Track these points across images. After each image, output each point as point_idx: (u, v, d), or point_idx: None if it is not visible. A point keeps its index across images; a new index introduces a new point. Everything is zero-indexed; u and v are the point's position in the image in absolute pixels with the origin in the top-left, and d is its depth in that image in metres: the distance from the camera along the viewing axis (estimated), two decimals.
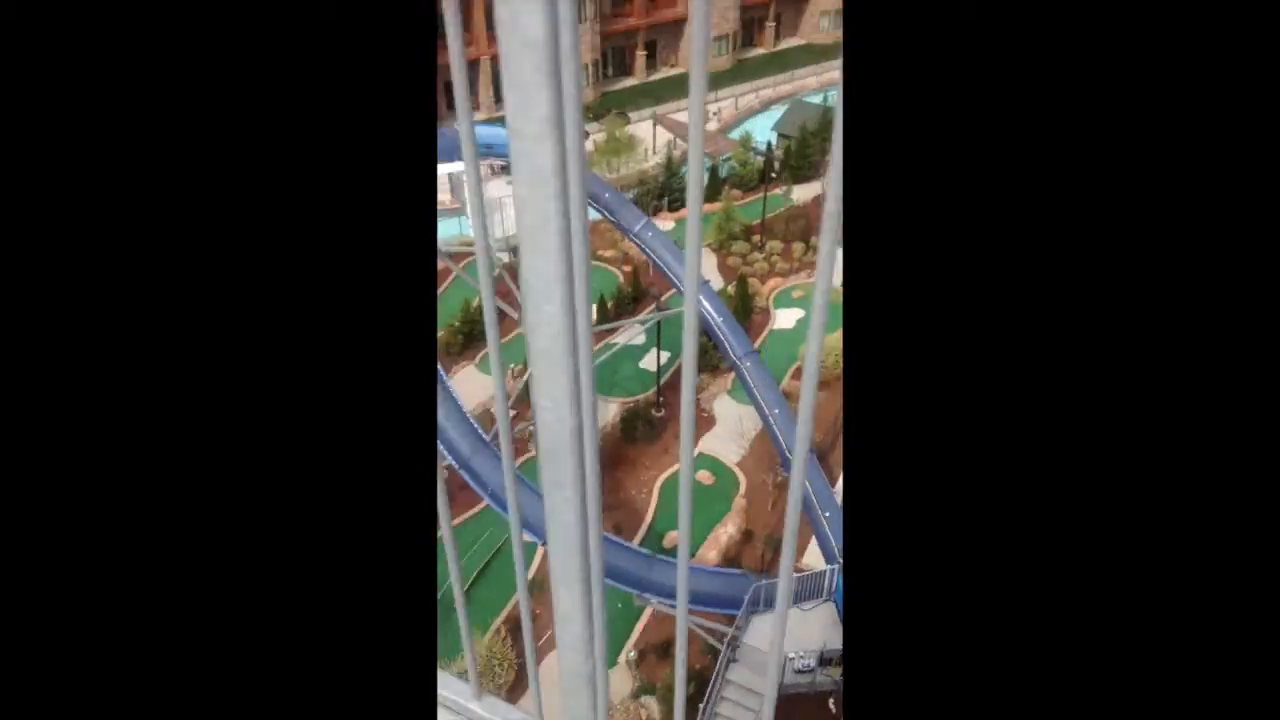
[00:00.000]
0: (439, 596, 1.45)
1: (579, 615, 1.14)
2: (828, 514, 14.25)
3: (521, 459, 16.36)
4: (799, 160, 26.52)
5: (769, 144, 26.49)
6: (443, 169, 13.67)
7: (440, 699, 1.38)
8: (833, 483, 16.16)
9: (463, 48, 0.72)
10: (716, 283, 20.78)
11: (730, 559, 14.83)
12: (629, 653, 12.55)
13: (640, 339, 19.83)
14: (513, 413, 16.38)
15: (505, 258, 15.27)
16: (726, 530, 15.32)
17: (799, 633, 10.39)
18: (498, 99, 32.40)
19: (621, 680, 12.31)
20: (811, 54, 35.85)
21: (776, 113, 30.20)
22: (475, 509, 13.38)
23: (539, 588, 13.27)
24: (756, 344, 19.37)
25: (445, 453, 11.71)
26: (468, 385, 16.64)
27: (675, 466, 16.67)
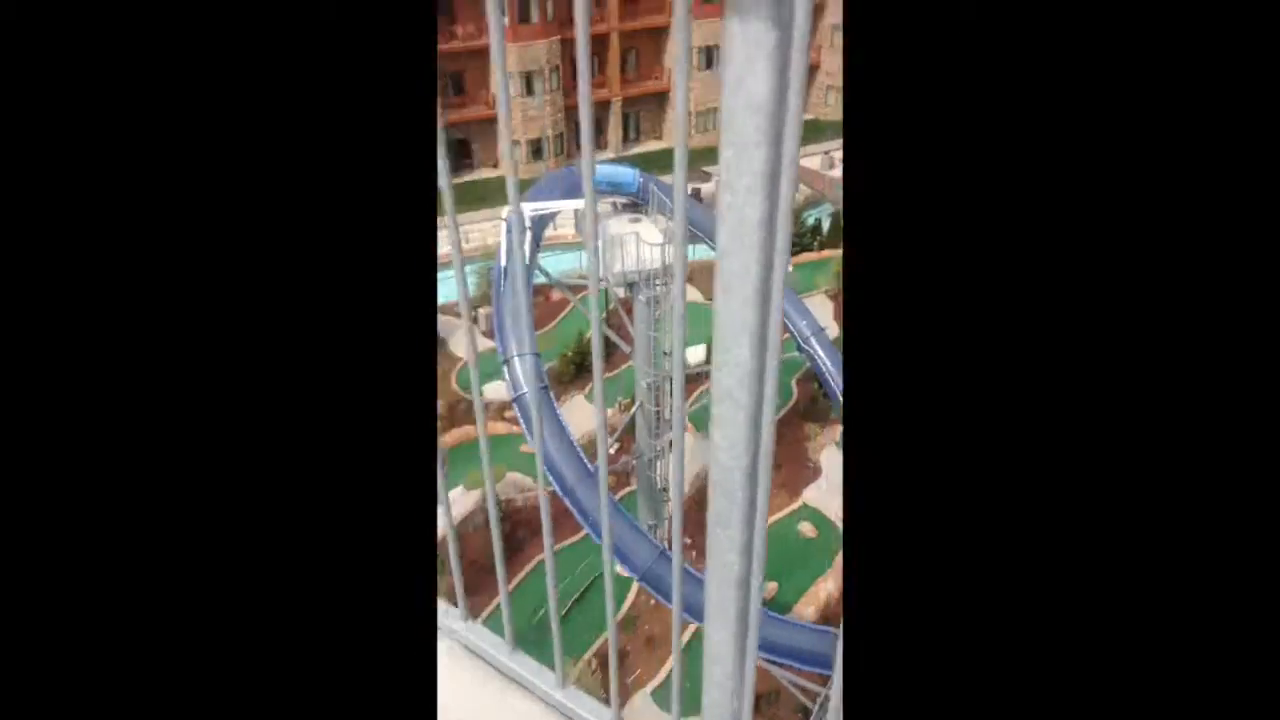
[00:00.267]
0: (534, 619, 1.48)
1: (730, 655, 1.16)
2: None
3: (622, 492, 16.45)
4: None
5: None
6: (569, 205, 14.19)
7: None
8: None
9: (589, 90, 0.76)
10: (832, 331, 20.33)
11: (828, 617, 14.21)
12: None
13: None
14: (616, 446, 16.58)
15: (621, 293, 15.58)
16: (827, 586, 14.72)
17: None
18: (626, 138, 33.43)
19: None
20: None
21: None
22: (575, 537, 13.50)
23: (630, 626, 13.20)
24: None
25: (550, 479, 11.93)
26: (577, 414, 16.97)
27: (775, 515, 16.26)
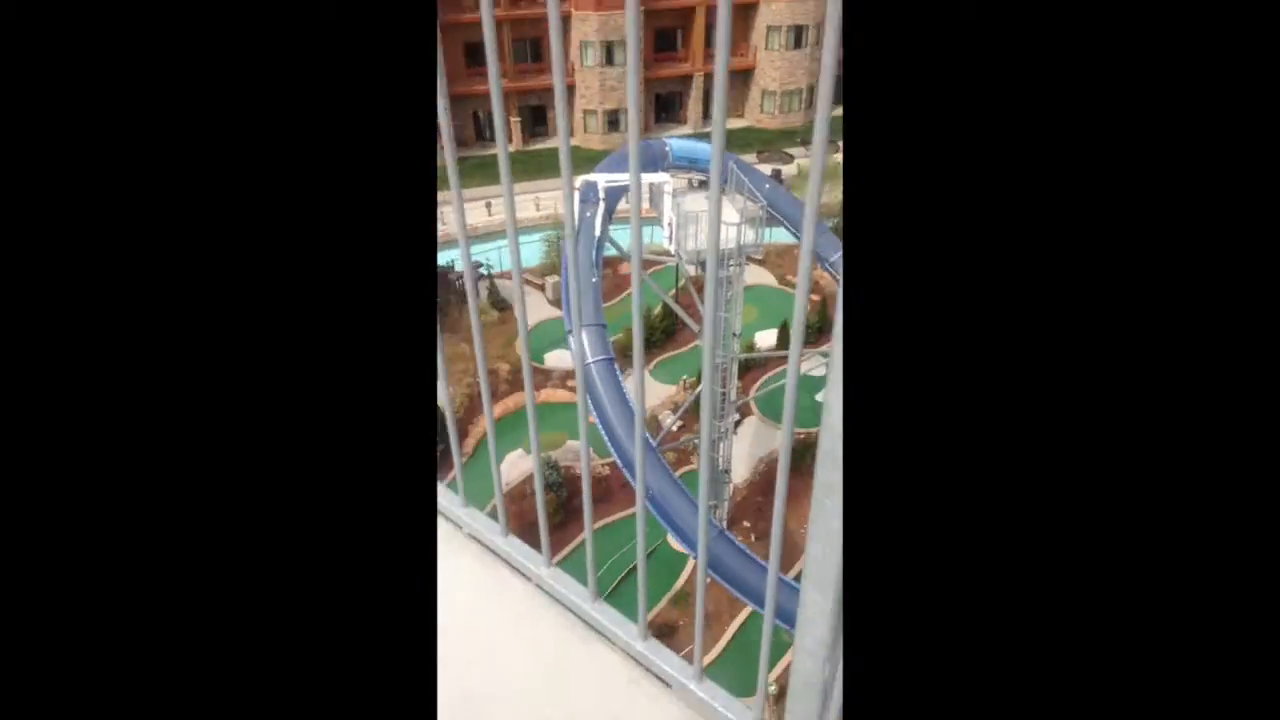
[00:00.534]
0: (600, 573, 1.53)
1: (826, 620, 1.17)
2: None
3: (682, 470, 16.50)
4: None
5: None
6: (645, 177, 14.14)
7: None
8: None
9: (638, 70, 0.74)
10: None
11: None
12: (771, 686, 12.17)
13: (820, 370, 19.27)
14: (680, 424, 16.62)
15: (693, 270, 15.48)
16: None
17: None
18: (706, 114, 32.93)
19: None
20: None
21: None
22: (628, 510, 13.64)
23: (682, 602, 13.29)
24: None
25: (612, 452, 12.05)
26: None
27: None
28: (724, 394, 13.74)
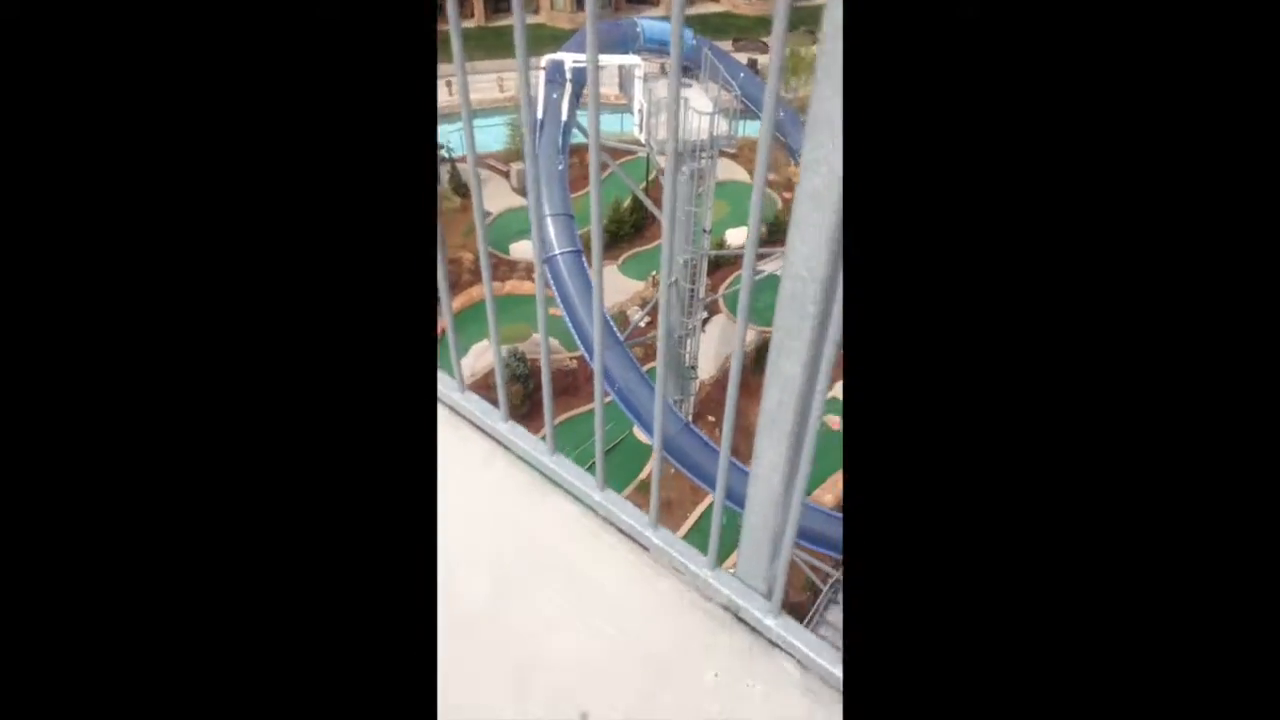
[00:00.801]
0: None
1: (779, 471, 1.20)
2: None
3: (650, 365, 16.63)
4: None
5: None
6: (613, 60, 13.41)
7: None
8: None
9: None
10: None
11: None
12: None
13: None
14: (648, 319, 16.63)
15: (663, 161, 15.02)
16: None
17: None
18: None
19: None
20: None
21: None
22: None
23: (644, 487, 13.70)
24: None
25: (579, 344, 12.03)
26: (608, 284, 16.90)
27: None
28: (692, 291, 13.66)
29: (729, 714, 1.23)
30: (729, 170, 18.76)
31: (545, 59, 12.84)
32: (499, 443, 1.65)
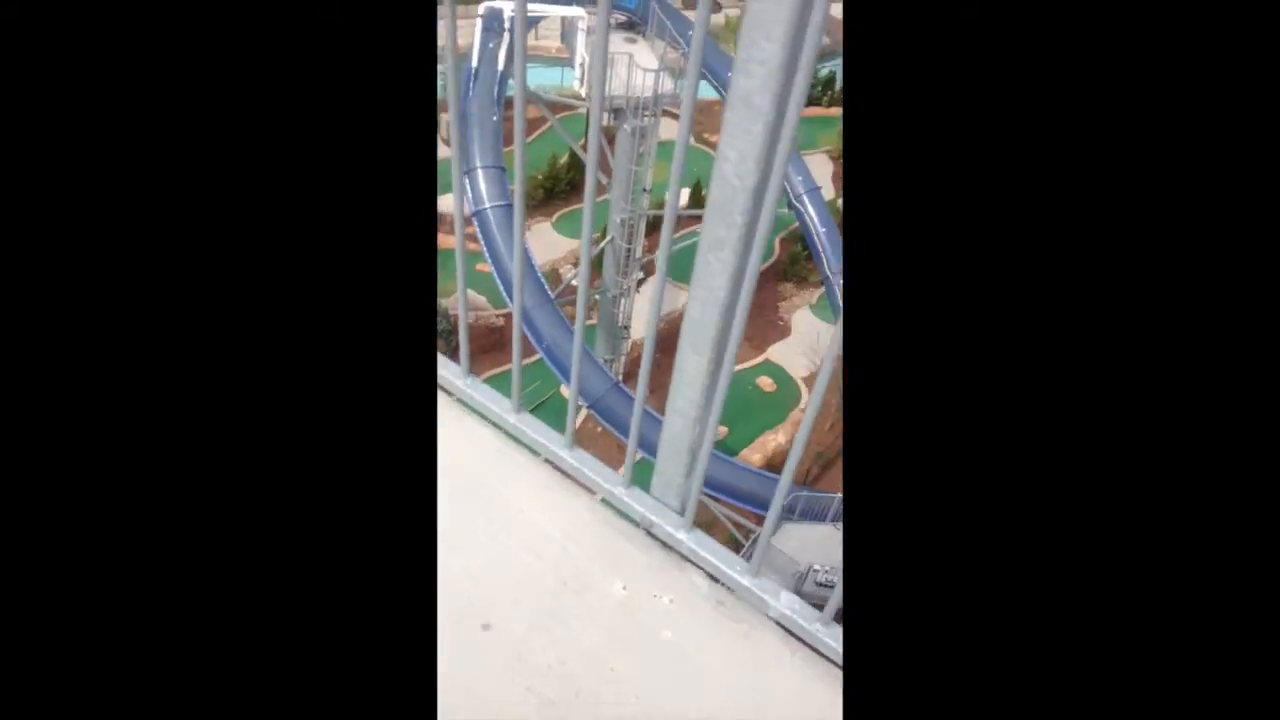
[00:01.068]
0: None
1: (699, 382, 1.21)
2: None
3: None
4: None
5: None
6: (556, 10, 13.03)
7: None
8: None
9: None
10: (827, 192, 19.69)
11: (773, 466, 14.94)
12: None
13: None
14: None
15: (606, 119, 14.79)
16: (776, 438, 15.34)
17: (829, 549, 10.54)
18: None
19: None
20: None
21: None
22: (529, 359, 13.67)
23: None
24: None
25: (508, 302, 11.83)
26: (540, 241, 16.64)
27: (738, 366, 16.62)
28: (629, 250, 13.58)
29: (635, 623, 1.23)
30: (673, 129, 18.61)
31: (483, 6, 12.37)
32: None
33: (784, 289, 18.38)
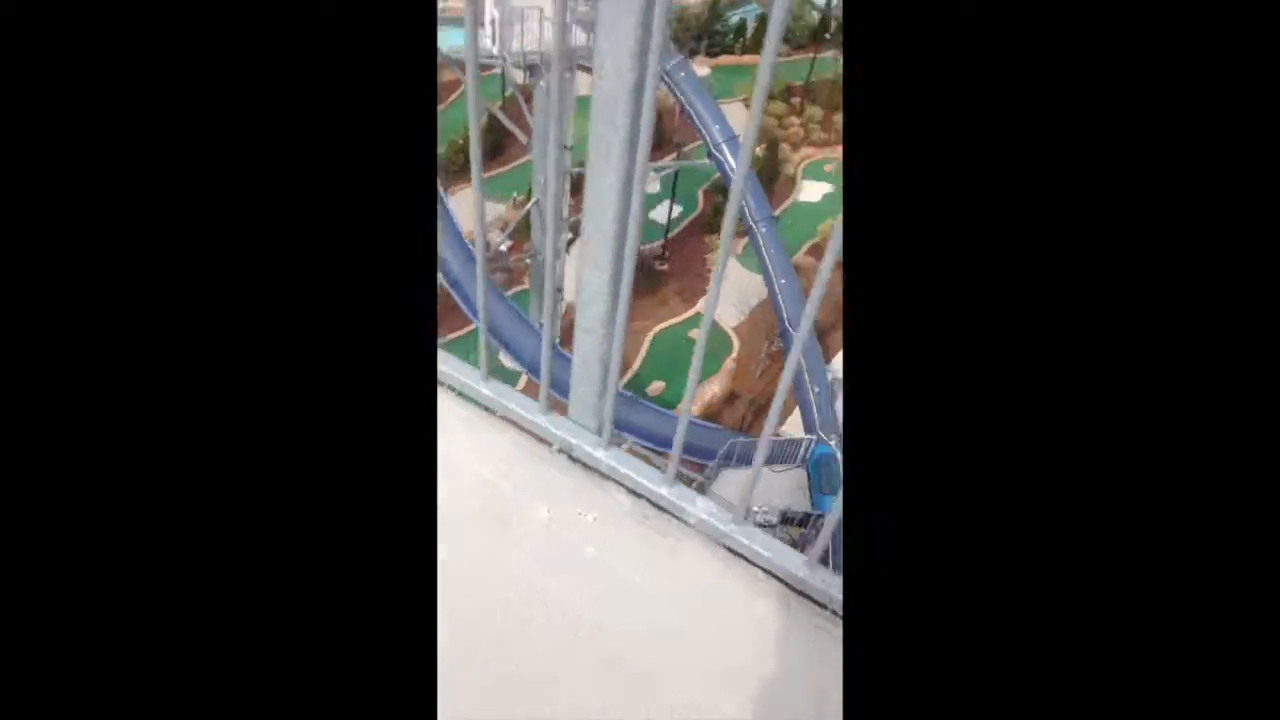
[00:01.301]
0: None
1: (603, 298, 1.20)
2: (817, 389, 14.48)
3: (513, 290, 16.31)
4: None
5: (828, 1, 24.41)
6: None
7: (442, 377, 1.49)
8: (828, 360, 16.31)
9: None
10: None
11: (710, 416, 15.15)
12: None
13: (654, 188, 19.07)
14: (509, 244, 16.23)
15: (520, 77, 14.42)
16: (712, 389, 15.56)
17: (767, 491, 10.84)
18: None
19: None
20: None
21: None
22: (464, 330, 13.44)
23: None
24: (777, 212, 18.81)
25: (440, 273, 11.57)
26: (467, 206, 16.25)
27: (669, 320, 16.71)
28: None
29: (560, 543, 1.23)
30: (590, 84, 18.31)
31: None
32: None
33: (710, 241, 18.46)
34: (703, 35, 23.60)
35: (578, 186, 16.22)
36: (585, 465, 1.33)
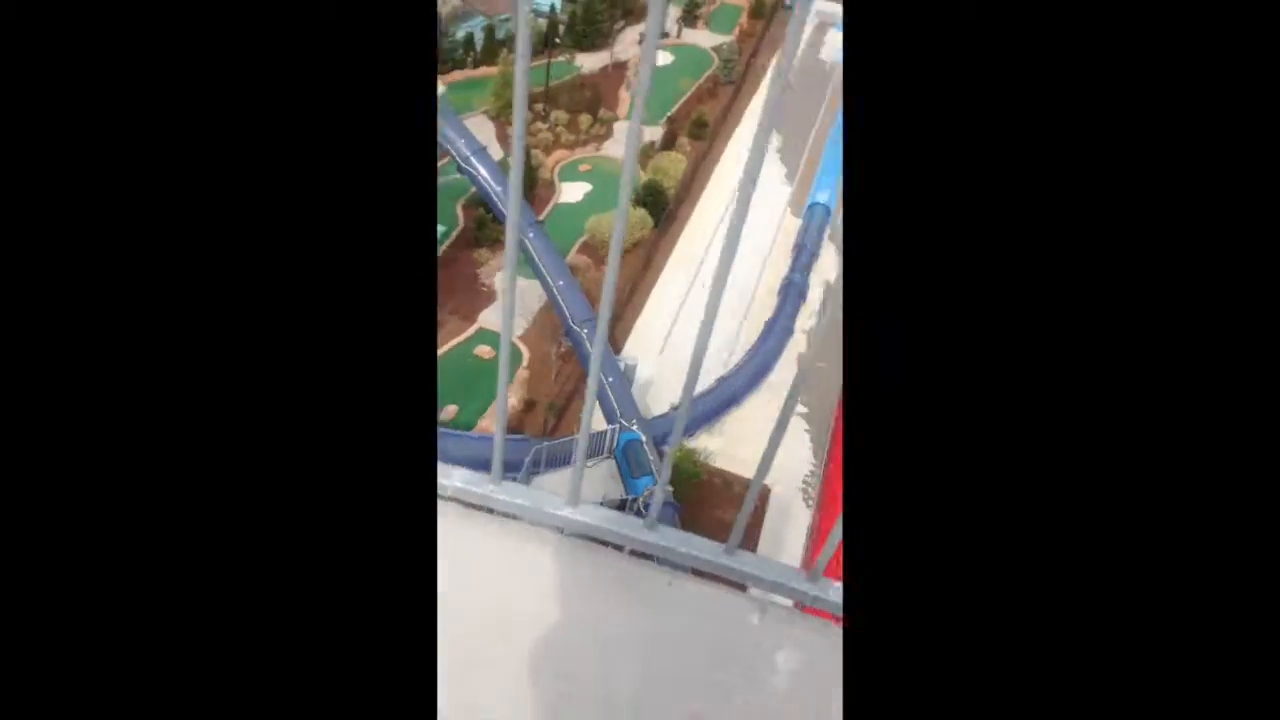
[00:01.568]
0: None
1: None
2: (610, 379, 14.88)
3: None
4: (586, 27, 24.95)
5: (553, 5, 24.95)
6: None
7: None
8: (617, 351, 16.76)
9: None
10: (496, 152, 19.63)
11: (512, 429, 14.99)
12: None
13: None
14: None
15: None
16: (509, 401, 15.38)
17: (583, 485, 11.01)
18: None
19: None
20: None
21: None
22: None
23: None
24: (541, 216, 18.95)
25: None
26: None
27: (452, 341, 16.28)
28: None
29: None
30: None
31: None
32: None
33: (479, 255, 18.23)
34: None
35: None
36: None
